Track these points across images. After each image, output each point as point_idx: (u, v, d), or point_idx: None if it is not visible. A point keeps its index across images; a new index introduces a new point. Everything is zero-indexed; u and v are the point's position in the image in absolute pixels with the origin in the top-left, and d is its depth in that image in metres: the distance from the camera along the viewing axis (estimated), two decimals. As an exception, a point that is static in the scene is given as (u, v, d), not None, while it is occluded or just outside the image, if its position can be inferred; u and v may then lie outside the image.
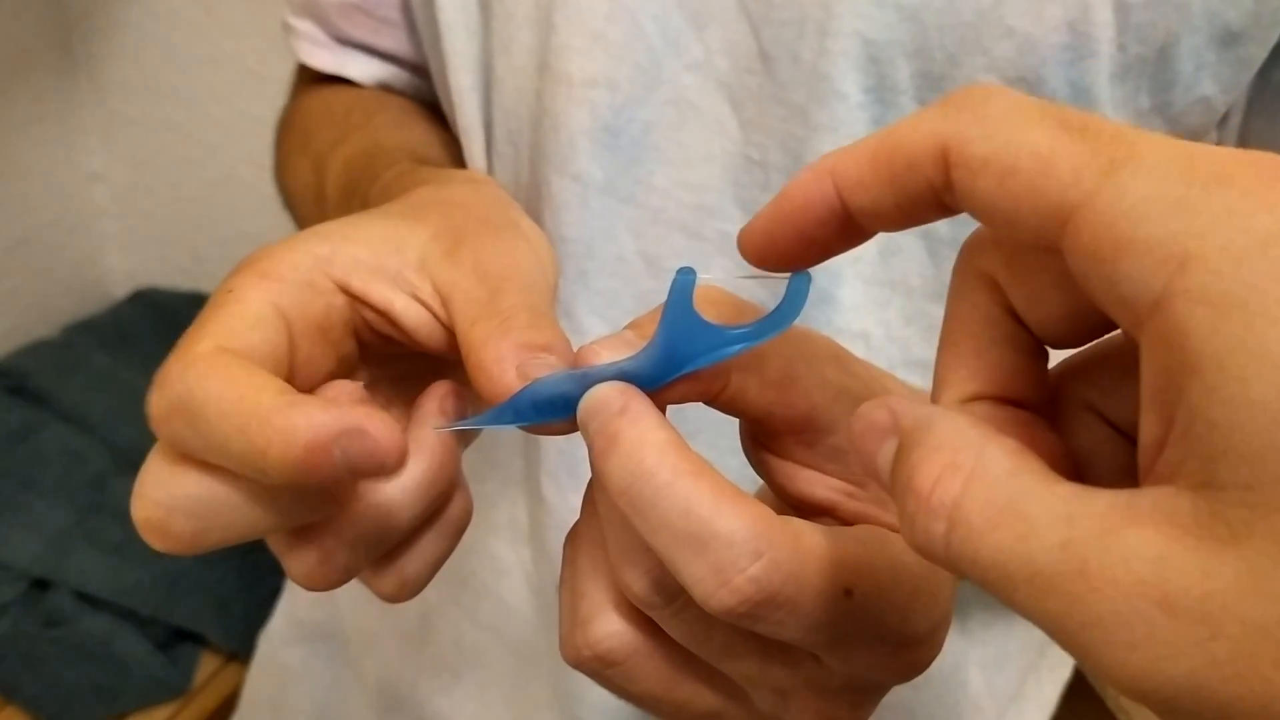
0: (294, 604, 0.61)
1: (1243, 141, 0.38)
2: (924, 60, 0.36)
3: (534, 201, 0.42)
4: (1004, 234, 0.17)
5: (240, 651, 0.94)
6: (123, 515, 0.95)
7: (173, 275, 1.29)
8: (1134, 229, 0.14)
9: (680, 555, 0.20)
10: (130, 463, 1.00)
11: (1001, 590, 0.15)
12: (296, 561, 0.24)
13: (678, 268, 0.22)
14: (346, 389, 0.24)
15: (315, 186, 0.45)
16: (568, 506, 0.45)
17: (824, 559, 0.20)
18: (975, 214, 0.17)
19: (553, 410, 0.23)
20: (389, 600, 0.26)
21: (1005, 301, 0.19)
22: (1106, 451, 0.19)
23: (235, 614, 0.95)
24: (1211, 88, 0.35)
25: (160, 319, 1.20)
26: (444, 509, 0.26)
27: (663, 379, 0.22)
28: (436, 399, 0.25)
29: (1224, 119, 0.37)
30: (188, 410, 0.21)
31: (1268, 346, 0.13)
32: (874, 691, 0.24)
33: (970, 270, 0.20)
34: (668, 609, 0.22)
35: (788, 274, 0.21)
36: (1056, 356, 0.21)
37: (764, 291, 0.23)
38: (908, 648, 0.23)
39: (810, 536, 0.21)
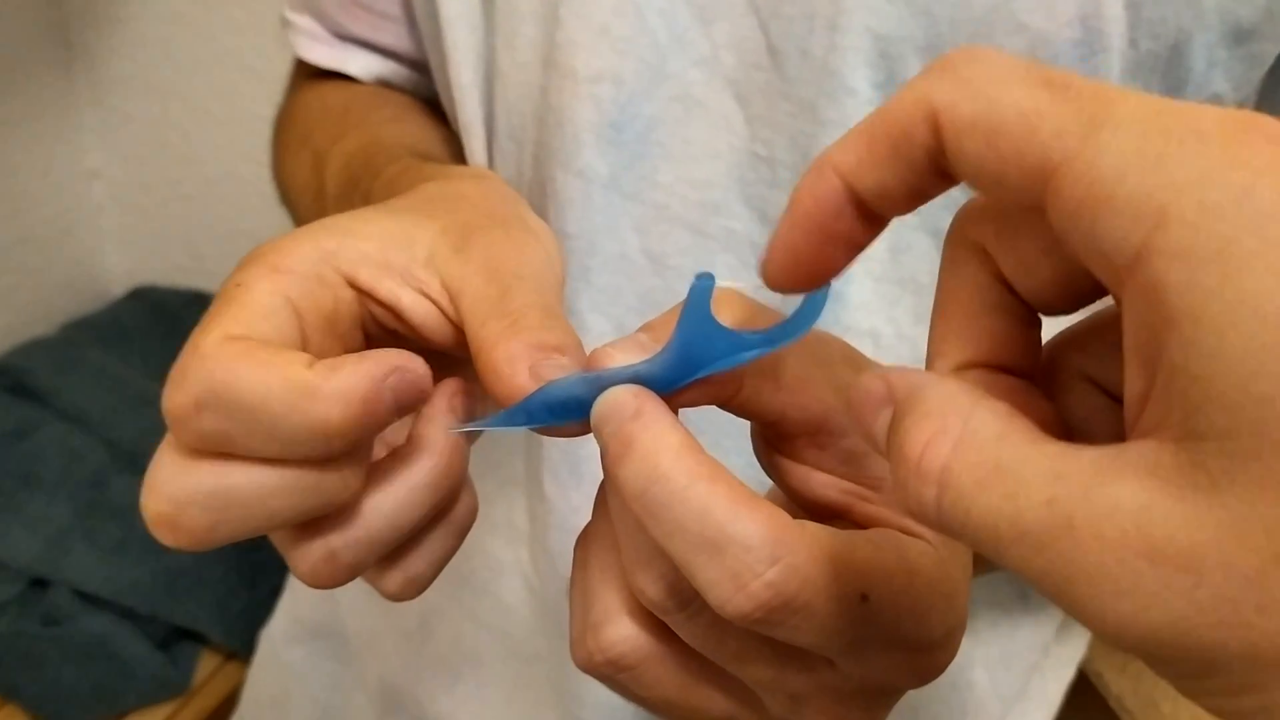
0: (295, 603, 0.61)
1: None
2: (934, 56, 0.35)
3: (537, 198, 0.42)
4: (994, 195, 0.17)
5: (240, 650, 0.93)
6: (122, 514, 0.96)
7: (171, 273, 1.28)
8: (1113, 186, 0.14)
9: (696, 559, 0.20)
10: (129, 461, 0.99)
11: (992, 550, 0.15)
12: (302, 559, 0.24)
13: (679, 273, 0.22)
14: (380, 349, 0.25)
15: (314, 183, 0.45)
16: (569, 505, 0.44)
17: (840, 563, 0.20)
18: (965, 177, 0.17)
19: (566, 412, 0.22)
20: (393, 599, 0.26)
21: (996, 270, 0.19)
22: (1102, 420, 0.19)
23: (235, 613, 0.95)
24: (1223, 85, 0.35)
25: (159, 317, 1.19)
26: (450, 508, 0.26)
27: (677, 383, 0.22)
28: (446, 397, 0.25)
29: None
30: (222, 402, 0.21)
31: (1242, 297, 0.13)
32: (888, 695, 0.24)
33: (961, 240, 0.20)
34: (682, 613, 0.22)
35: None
36: (1049, 331, 0.21)
37: (780, 295, 0.23)
38: (924, 652, 0.22)
39: (827, 541, 0.20)
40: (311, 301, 0.24)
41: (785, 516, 0.20)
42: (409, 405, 0.22)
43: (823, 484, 0.24)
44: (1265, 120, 0.14)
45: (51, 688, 0.89)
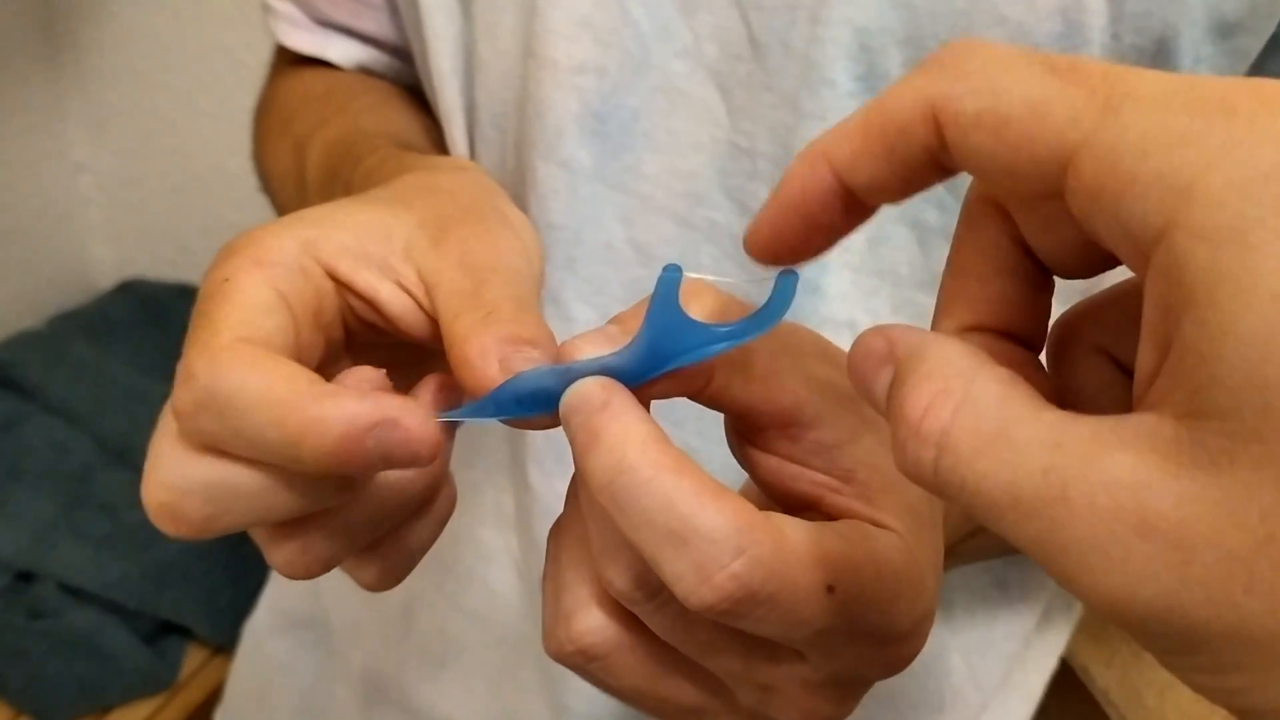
0: (278, 595, 0.61)
1: None
2: (915, 48, 0.35)
3: (519, 187, 0.42)
4: (1004, 186, 0.17)
5: (226, 644, 0.93)
6: (108, 508, 0.96)
7: (159, 266, 1.28)
8: (1137, 164, 0.14)
9: (661, 552, 0.20)
10: (116, 455, 0.99)
11: (987, 515, 0.15)
12: (278, 551, 0.24)
13: (665, 263, 0.22)
14: (369, 376, 0.24)
15: (295, 171, 0.45)
16: (554, 493, 0.44)
17: (806, 555, 0.20)
18: (972, 171, 0.17)
19: (535, 404, 0.22)
20: (370, 589, 0.26)
21: (1015, 232, 0.19)
22: (1114, 394, 0.19)
23: (221, 607, 0.95)
24: None
25: (146, 310, 1.19)
26: (430, 500, 0.26)
27: (646, 375, 0.22)
28: (429, 392, 0.25)
29: None
30: (218, 404, 0.21)
31: (1260, 279, 0.13)
32: (858, 686, 0.24)
33: (983, 198, 0.20)
34: (650, 605, 0.22)
35: (775, 272, 0.21)
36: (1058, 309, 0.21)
37: (752, 286, 0.23)
38: (891, 643, 0.22)
39: (792, 533, 0.20)
40: (297, 294, 0.24)
41: (751, 508, 0.20)
42: (396, 461, 0.21)
43: (794, 476, 0.24)
44: None
45: (37, 681, 0.88)
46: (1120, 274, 0.20)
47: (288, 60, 0.52)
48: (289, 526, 0.24)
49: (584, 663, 0.24)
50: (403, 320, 0.26)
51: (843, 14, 0.35)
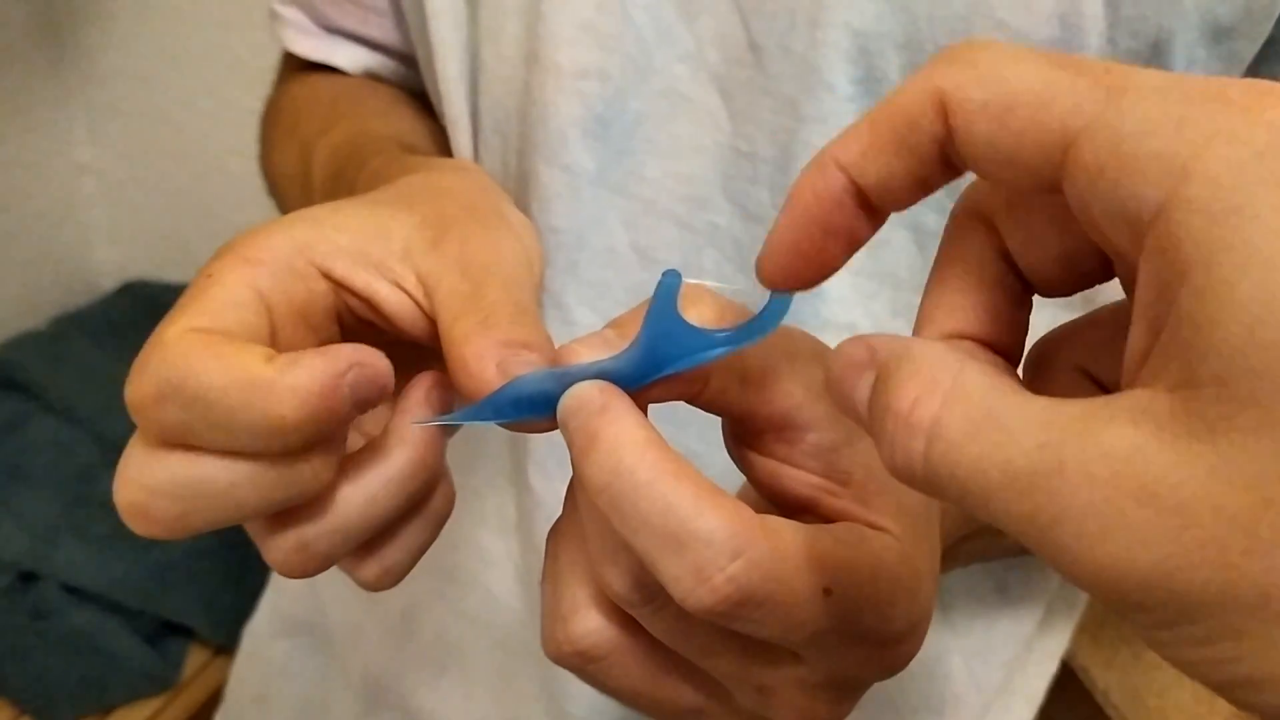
0: (278, 597, 0.61)
1: None
2: (914, 52, 0.35)
3: (522, 192, 0.42)
4: (1005, 177, 0.17)
5: (228, 645, 0.93)
6: (110, 508, 0.95)
7: (162, 267, 1.28)
8: (1137, 146, 0.15)
9: (659, 554, 0.20)
10: (118, 455, 0.98)
11: (978, 499, 0.15)
12: (275, 548, 0.24)
13: (667, 267, 0.22)
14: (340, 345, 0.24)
15: (301, 174, 0.45)
16: (555, 497, 0.44)
17: (803, 558, 0.20)
18: (976, 162, 0.17)
19: (533, 408, 0.23)
20: (369, 589, 0.26)
21: (1000, 245, 0.20)
22: None
23: (223, 607, 0.95)
24: None
25: (149, 311, 1.19)
26: (427, 500, 0.26)
27: (643, 380, 0.22)
28: (422, 390, 0.25)
29: None
30: (180, 394, 0.21)
31: (1256, 246, 0.13)
32: (855, 688, 0.24)
33: (970, 210, 0.20)
34: (647, 607, 0.22)
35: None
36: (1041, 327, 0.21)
37: (750, 291, 0.23)
38: (887, 645, 0.23)
39: (789, 535, 0.21)
40: (282, 292, 0.24)
41: (748, 511, 0.20)
42: (369, 401, 0.22)
43: (791, 479, 0.24)
44: None
45: (39, 681, 0.89)
46: (1084, 300, 0.20)
47: (295, 66, 0.52)
48: (283, 522, 0.24)
49: (582, 664, 0.24)
50: (401, 320, 0.26)
51: (841, 18, 0.35)
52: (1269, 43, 0.35)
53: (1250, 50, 0.35)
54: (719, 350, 0.22)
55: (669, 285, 0.22)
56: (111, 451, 0.99)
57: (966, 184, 0.20)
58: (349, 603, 0.55)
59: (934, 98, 0.17)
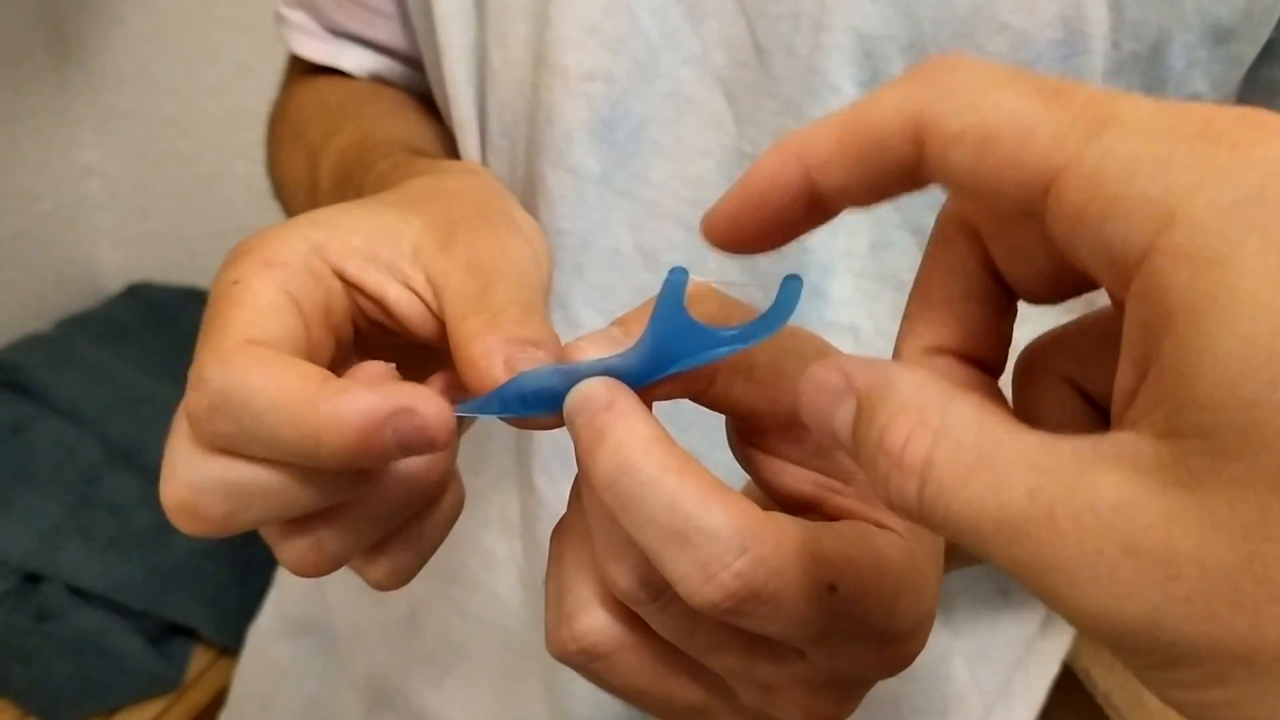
0: (282, 599, 0.61)
1: None
2: (917, 55, 0.35)
3: (529, 194, 0.42)
4: (982, 204, 0.17)
5: (233, 646, 0.94)
6: (116, 509, 0.96)
7: (166, 269, 1.28)
8: (1121, 187, 0.14)
9: (665, 550, 0.20)
10: (123, 457, 0.99)
11: (972, 541, 0.15)
12: (288, 548, 0.24)
13: (671, 266, 0.22)
14: (378, 370, 0.24)
15: (308, 177, 0.45)
16: (560, 497, 0.44)
17: (808, 555, 0.20)
18: (950, 186, 0.17)
19: (539, 404, 0.23)
20: (379, 588, 0.26)
21: (985, 256, 0.19)
22: (1078, 423, 0.19)
23: (228, 609, 0.95)
24: (1202, 85, 0.35)
25: (154, 313, 1.19)
26: (438, 500, 0.26)
27: (649, 377, 0.22)
28: (435, 391, 0.25)
29: None
30: (232, 406, 0.21)
31: (1239, 299, 0.13)
32: (859, 686, 0.24)
33: (954, 220, 0.20)
34: (653, 604, 0.22)
35: (779, 277, 0.21)
36: (1026, 332, 0.21)
37: (757, 290, 0.23)
38: (892, 643, 0.23)
39: (795, 532, 0.21)
40: (307, 295, 0.25)
41: (754, 508, 0.20)
42: (415, 450, 0.22)
43: (795, 477, 0.24)
44: (1277, 118, 0.14)
45: (43, 683, 0.89)
46: (1085, 301, 0.20)
47: (301, 69, 0.52)
48: (299, 523, 0.24)
49: (587, 662, 0.24)
50: (411, 320, 0.26)
51: (846, 20, 0.36)
52: (1270, 44, 0.35)
53: (1251, 52, 0.35)
54: (725, 349, 0.22)
55: (676, 283, 0.22)
56: (116, 454, 1.00)
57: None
58: (353, 604, 0.55)
59: (908, 123, 0.17)
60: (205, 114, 1.18)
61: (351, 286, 0.26)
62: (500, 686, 0.50)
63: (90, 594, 0.91)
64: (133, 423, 1.01)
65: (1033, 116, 0.15)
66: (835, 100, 0.36)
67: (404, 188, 0.31)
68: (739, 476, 0.26)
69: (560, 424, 0.22)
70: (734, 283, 0.21)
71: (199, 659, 0.96)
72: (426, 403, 0.21)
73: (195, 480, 0.22)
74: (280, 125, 0.52)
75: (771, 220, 0.19)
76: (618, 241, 0.41)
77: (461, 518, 0.27)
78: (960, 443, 0.15)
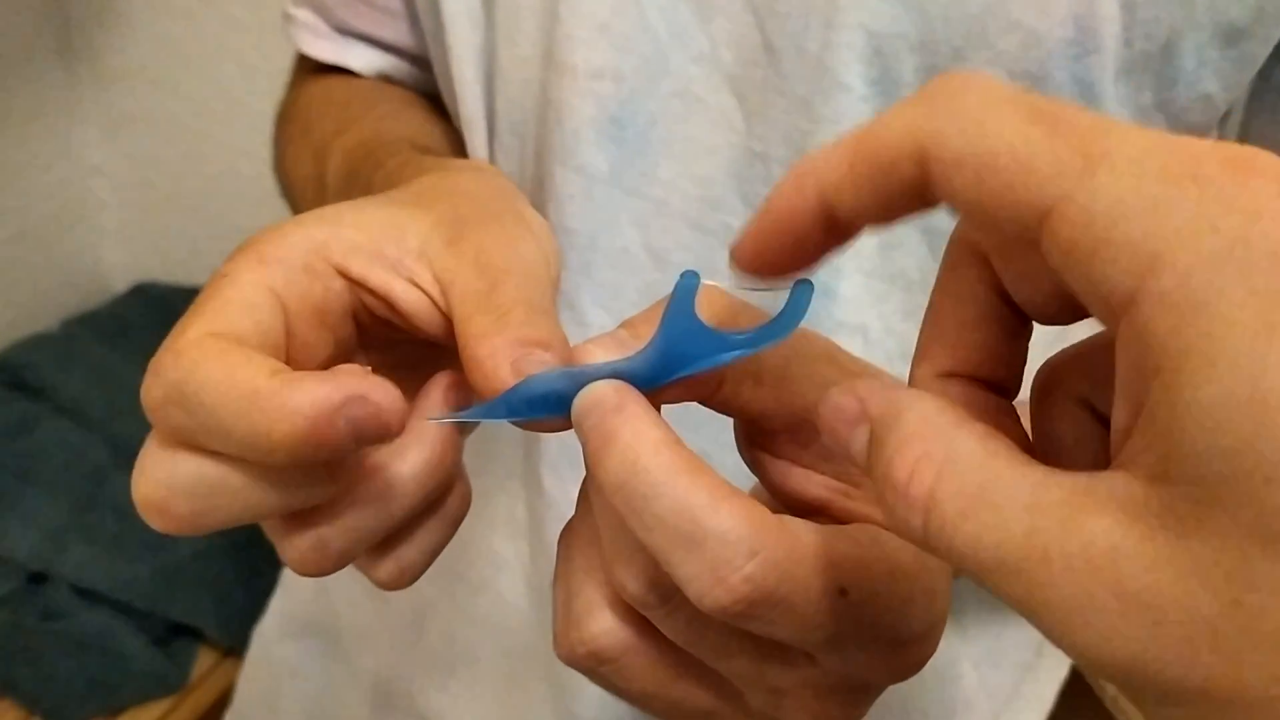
0: (287, 599, 0.61)
1: (1243, 140, 0.38)
2: (928, 54, 0.35)
3: (537, 193, 0.42)
4: (986, 229, 0.17)
5: (238, 646, 0.94)
6: (121, 509, 0.96)
7: (172, 269, 1.29)
8: (1108, 231, 0.14)
9: (675, 554, 0.20)
10: (129, 457, 0.99)
11: (974, 575, 0.15)
12: (291, 546, 0.24)
13: (680, 268, 0.22)
14: (354, 372, 0.24)
15: (316, 176, 0.45)
16: (568, 498, 0.44)
17: (819, 558, 0.20)
18: (955, 208, 0.17)
19: (546, 406, 0.23)
20: (384, 588, 0.26)
21: (995, 280, 0.19)
22: (1092, 446, 0.19)
23: (233, 609, 0.95)
24: (1213, 85, 0.35)
25: (160, 313, 1.20)
26: (443, 499, 0.26)
27: (659, 380, 0.22)
28: (439, 390, 0.25)
29: (1225, 117, 0.37)
30: (183, 398, 0.21)
31: (1222, 350, 0.13)
32: (869, 691, 0.24)
33: (964, 245, 0.20)
34: (662, 608, 0.22)
35: (789, 284, 0.21)
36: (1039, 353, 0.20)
37: (767, 293, 0.23)
38: (903, 647, 0.22)
39: (806, 535, 0.20)
40: (298, 292, 0.24)
41: (764, 511, 0.20)
42: (370, 439, 0.21)
43: (804, 480, 0.24)
44: (1267, 158, 0.14)
45: (48, 683, 0.89)
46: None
47: (309, 68, 0.52)
48: (301, 521, 0.24)
49: (595, 666, 0.24)
50: (417, 318, 0.26)
51: (856, 18, 0.35)
52: None
53: (1263, 52, 0.35)
54: (736, 353, 0.22)
55: (687, 286, 0.22)
56: (122, 453, 1.00)
57: None
58: (358, 605, 0.55)
59: (913, 145, 0.17)
60: (211, 113, 1.18)
61: (356, 284, 0.26)
62: (506, 689, 0.50)
63: (95, 594, 0.91)
64: (138, 422, 0.99)
65: (1030, 147, 0.15)
66: (845, 98, 0.36)
67: (412, 185, 0.31)
68: (748, 479, 0.26)
69: (568, 426, 0.22)
70: (745, 286, 0.21)
71: (204, 659, 0.96)
72: (378, 390, 0.21)
73: (161, 477, 0.22)
74: (288, 124, 0.52)
75: (794, 246, 0.20)
76: (626, 240, 0.41)
77: (468, 519, 0.27)
78: (964, 477, 0.16)
